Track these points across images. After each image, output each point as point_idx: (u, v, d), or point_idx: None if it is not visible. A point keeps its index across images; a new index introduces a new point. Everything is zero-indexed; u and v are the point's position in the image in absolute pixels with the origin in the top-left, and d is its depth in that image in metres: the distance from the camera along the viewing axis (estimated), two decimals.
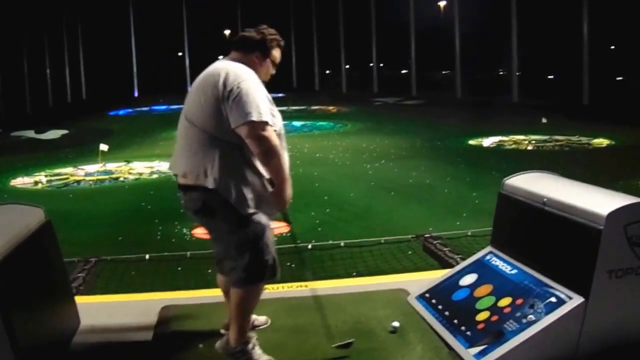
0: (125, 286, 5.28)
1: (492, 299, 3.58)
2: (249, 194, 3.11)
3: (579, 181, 3.86)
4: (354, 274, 5.27)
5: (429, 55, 34.28)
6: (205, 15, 42.29)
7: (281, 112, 3.42)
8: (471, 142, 14.79)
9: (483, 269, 3.93)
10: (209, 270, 4.90)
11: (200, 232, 6.43)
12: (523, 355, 3.13)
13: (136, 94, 39.06)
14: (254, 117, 3.03)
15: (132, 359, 3.58)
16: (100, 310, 4.28)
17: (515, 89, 26.42)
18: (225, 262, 3.32)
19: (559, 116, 18.30)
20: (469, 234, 6.31)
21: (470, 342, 3.33)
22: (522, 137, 15.06)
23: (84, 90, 40.41)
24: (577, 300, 3.16)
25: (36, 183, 11.26)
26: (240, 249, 3.18)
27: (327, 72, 42.14)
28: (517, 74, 26.77)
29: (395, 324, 3.60)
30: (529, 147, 13.87)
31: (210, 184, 3.08)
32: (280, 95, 26.49)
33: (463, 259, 4.71)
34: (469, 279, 3.91)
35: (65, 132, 20.15)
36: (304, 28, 39.98)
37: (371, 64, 37.26)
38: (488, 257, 4.03)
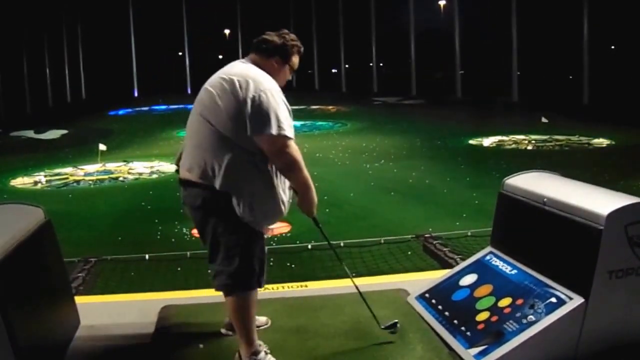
0: (125, 286, 5.28)
1: (492, 299, 3.57)
2: (254, 203, 3.07)
3: (579, 181, 3.86)
4: (354, 274, 5.25)
5: (429, 55, 34.32)
6: (205, 15, 42.32)
7: None
8: (471, 141, 14.79)
9: (483, 269, 3.93)
10: (209, 270, 4.89)
11: None
12: (523, 355, 3.13)
13: (136, 94, 39.03)
14: (274, 131, 2.99)
15: (132, 359, 3.57)
16: (100, 310, 4.27)
17: (516, 88, 26.41)
18: (211, 265, 3.26)
19: (559, 116, 18.30)
20: (469, 234, 6.30)
21: (470, 343, 3.33)
22: (522, 136, 15.06)
23: (84, 90, 40.41)
24: (577, 300, 3.16)
25: (36, 183, 11.26)
26: (230, 252, 3.14)
27: (334, 70, 42.05)
28: (517, 73, 26.76)
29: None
30: (529, 147, 13.87)
31: (217, 184, 3.05)
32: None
33: (463, 259, 4.70)
34: (469, 279, 3.91)
35: (64, 132, 20.15)
36: (303, 28, 40.00)
37: (371, 64, 37.27)
38: (488, 257, 4.03)
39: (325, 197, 8.30)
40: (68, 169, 12.46)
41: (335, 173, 10.92)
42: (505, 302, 3.48)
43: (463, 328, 3.47)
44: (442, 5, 35.01)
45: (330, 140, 15.80)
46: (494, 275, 3.79)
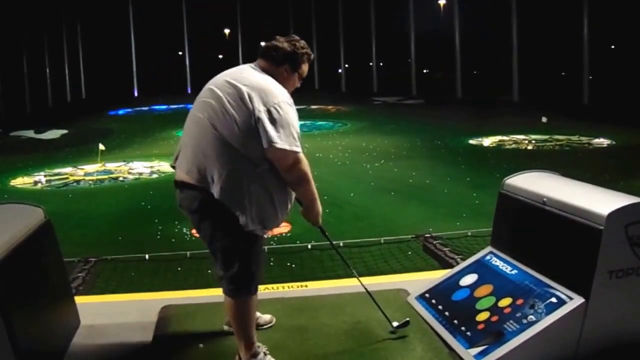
0: (125, 286, 5.28)
1: (492, 299, 3.57)
2: (253, 212, 3.03)
3: (579, 181, 3.85)
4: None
5: (429, 55, 34.32)
6: (205, 15, 42.30)
7: None
8: (471, 141, 14.79)
9: (483, 269, 3.93)
10: (209, 270, 4.89)
11: None
12: (523, 355, 3.13)
13: (136, 94, 39.02)
14: (288, 146, 2.98)
15: (132, 359, 3.57)
16: (100, 310, 4.27)
17: (516, 88, 26.40)
18: (214, 268, 3.25)
19: (559, 116, 18.30)
20: (469, 234, 6.30)
21: (470, 343, 3.33)
22: (522, 136, 15.06)
23: (84, 90, 40.40)
24: (577, 300, 3.16)
25: (36, 183, 11.27)
26: (228, 256, 3.11)
27: (340, 70, 41.93)
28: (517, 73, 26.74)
29: (395, 324, 3.59)
30: (530, 147, 13.87)
31: (215, 192, 3.00)
32: None
33: (463, 259, 4.70)
34: (469, 279, 3.91)
35: (64, 132, 20.15)
36: (303, 28, 39.99)
37: (371, 63, 37.26)
38: (488, 257, 4.02)
39: (325, 197, 8.23)
40: (68, 169, 12.47)
41: (335, 173, 10.93)
42: (505, 302, 3.47)
43: (463, 328, 3.47)
44: (442, 5, 34.99)
45: (331, 140, 15.80)
46: (494, 275, 3.79)
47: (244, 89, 3.04)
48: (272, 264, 5.82)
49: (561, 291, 3.27)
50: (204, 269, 5.26)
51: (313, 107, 25.12)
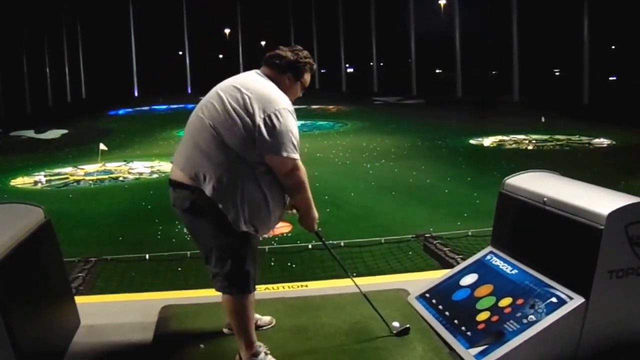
0: (125, 286, 5.28)
1: (493, 299, 3.57)
2: (246, 214, 3.05)
3: (579, 181, 3.85)
4: (354, 274, 5.25)
5: (429, 55, 34.30)
6: (206, 14, 42.31)
7: None
8: (472, 141, 14.79)
9: (483, 269, 3.93)
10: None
11: None
12: (523, 355, 3.13)
13: (136, 94, 39.04)
14: (287, 153, 3.02)
15: (132, 359, 3.57)
16: (100, 310, 4.27)
17: (516, 88, 26.40)
18: (207, 266, 3.26)
19: (559, 116, 18.30)
20: (470, 233, 6.31)
21: (470, 343, 3.33)
22: (522, 136, 15.06)
23: (84, 89, 40.41)
24: (577, 300, 3.16)
25: (36, 183, 11.27)
26: (222, 255, 3.13)
27: (350, 70, 41.84)
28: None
29: (396, 324, 3.59)
30: (530, 147, 13.87)
31: (207, 190, 3.02)
32: None
33: (463, 259, 4.70)
34: (469, 279, 3.90)
35: (65, 131, 20.15)
36: (303, 27, 39.98)
37: (371, 63, 37.27)
38: (488, 257, 4.02)
39: (326, 197, 8.31)
40: (68, 169, 12.47)
41: (335, 173, 10.93)
42: (505, 302, 3.47)
43: (463, 328, 3.46)
44: (442, 5, 35.00)
45: (331, 139, 15.80)
46: (495, 275, 3.79)
47: (246, 94, 3.09)
48: (272, 264, 5.82)
49: (561, 291, 3.27)
50: (204, 269, 5.24)
51: (313, 106, 25.13)
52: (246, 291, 3.18)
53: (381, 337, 3.55)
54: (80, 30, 40.19)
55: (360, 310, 3.76)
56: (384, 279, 4.92)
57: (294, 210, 3.36)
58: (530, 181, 3.89)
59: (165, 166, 11.83)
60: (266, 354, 3.24)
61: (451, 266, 4.82)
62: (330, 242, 6.17)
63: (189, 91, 38.99)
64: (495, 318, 3.40)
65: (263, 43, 46.11)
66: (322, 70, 40.71)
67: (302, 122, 19.94)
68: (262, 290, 4.31)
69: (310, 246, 6.13)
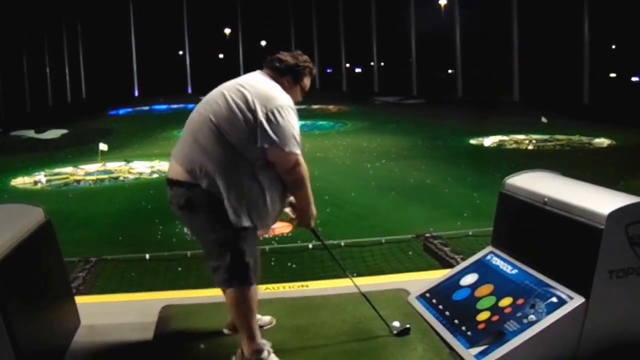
0: (125, 286, 5.28)
1: (493, 299, 3.57)
2: (244, 209, 3.07)
3: (580, 181, 3.85)
4: (355, 274, 5.25)
5: (429, 55, 34.28)
6: (206, 14, 42.31)
7: None
8: (472, 141, 14.79)
9: (484, 269, 3.93)
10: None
11: None
12: (524, 355, 3.13)
13: (137, 94, 39.04)
14: (289, 148, 3.06)
15: (132, 359, 3.57)
16: (100, 310, 4.27)
17: (516, 88, 26.40)
18: (208, 262, 3.27)
19: (559, 115, 18.29)
20: (470, 233, 6.31)
21: (470, 342, 3.33)
22: (522, 136, 15.05)
23: (84, 89, 40.41)
24: (578, 300, 3.16)
25: (36, 183, 11.27)
26: (221, 249, 3.14)
27: (358, 70, 41.75)
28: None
29: (396, 324, 3.59)
30: (530, 147, 13.87)
31: (204, 183, 3.05)
32: None
33: (464, 259, 4.70)
34: (469, 279, 3.90)
35: (65, 131, 20.15)
36: (304, 27, 39.99)
37: (372, 63, 37.27)
38: (489, 257, 4.02)
39: (326, 197, 8.30)
40: (68, 169, 12.47)
41: (336, 173, 10.93)
42: (505, 301, 3.47)
43: (464, 328, 3.46)
44: (442, 5, 34.99)
45: (331, 139, 15.81)
46: (495, 275, 3.79)
47: (249, 92, 3.13)
48: (272, 263, 5.82)
49: (562, 291, 3.27)
50: (205, 269, 5.19)
51: (314, 106, 25.13)
52: (247, 282, 3.19)
53: (381, 337, 3.55)
54: (81, 30, 40.20)
55: (360, 310, 3.76)
56: (384, 279, 4.92)
57: (288, 209, 3.38)
58: (530, 181, 3.89)
59: (166, 166, 11.74)
60: (269, 352, 3.24)
61: (451, 266, 4.82)
62: (331, 242, 6.20)
63: (189, 91, 39.01)
64: (495, 318, 3.39)
65: (263, 43, 46.14)
66: (329, 70, 40.62)
67: (303, 122, 19.90)
68: (263, 290, 4.31)
69: (310, 246, 6.13)
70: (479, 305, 3.58)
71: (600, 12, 24.62)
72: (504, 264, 3.82)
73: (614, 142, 13.91)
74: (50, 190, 10.63)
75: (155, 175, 11.42)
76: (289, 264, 5.85)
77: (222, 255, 3.15)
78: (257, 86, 3.19)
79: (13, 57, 32.28)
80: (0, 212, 3.46)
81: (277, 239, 6.62)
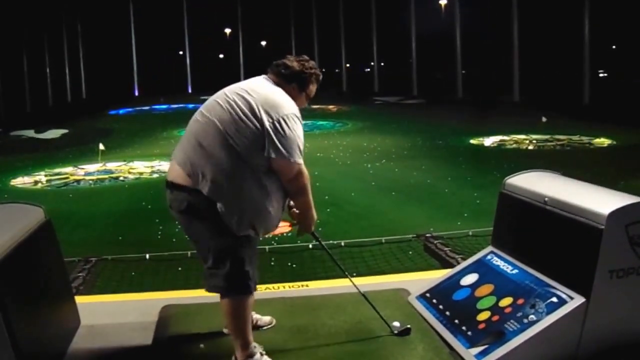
0: (125, 286, 5.28)
1: (493, 298, 3.56)
2: (247, 215, 3.04)
3: (580, 180, 3.85)
4: (355, 274, 5.25)
5: (429, 55, 34.28)
6: (206, 14, 42.33)
7: None
8: (472, 141, 14.80)
9: (484, 269, 3.92)
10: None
11: None
12: (524, 355, 3.12)
13: (137, 93, 39.05)
14: (293, 158, 3.04)
15: (132, 359, 3.57)
16: (100, 310, 4.26)
17: (517, 88, 26.39)
18: (204, 265, 3.22)
19: (560, 115, 18.30)
20: (470, 233, 6.30)
21: (471, 342, 3.32)
22: (523, 136, 15.06)
23: (84, 89, 40.42)
24: (578, 300, 3.15)
25: (36, 183, 11.28)
26: (220, 256, 3.10)
27: (367, 70, 41.66)
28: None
29: (396, 324, 3.59)
30: (530, 147, 13.87)
31: (205, 190, 3.00)
32: None
33: (464, 259, 4.70)
34: (469, 279, 3.90)
35: (65, 131, 20.16)
36: (304, 27, 39.98)
37: (372, 63, 37.28)
38: (489, 256, 4.02)
39: (326, 197, 8.30)
40: (68, 169, 12.47)
41: (336, 173, 10.93)
42: (506, 301, 3.47)
43: (464, 328, 3.46)
44: (442, 5, 34.99)
45: (331, 139, 15.81)
46: (495, 275, 3.78)
47: (254, 98, 3.09)
48: (272, 263, 5.82)
49: (562, 291, 3.26)
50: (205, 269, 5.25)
51: (314, 106, 25.12)
52: (247, 292, 3.16)
53: (382, 337, 3.55)
54: (81, 30, 40.20)
55: (361, 310, 3.76)
56: (384, 279, 4.92)
57: (290, 211, 3.37)
58: (530, 181, 3.89)
59: (166, 166, 11.77)
60: (261, 354, 3.23)
61: (452, 266, 4.81)
62: (331, 242, 6.20)
63: (190, 91, 39.01)
64: (495, 318, 3.39)
65: (263, 43, 46.13)
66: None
67: (303, 122, 19.88)
68: (263, 290, 4.30)
69: (310, 246, 6.12)
70: (479, 305, 3.58)
71: (600, 12, 24.60)
72: (504, 264, 3.82)
73: (614, 142, 13.91)
74: (50, 190, 10.63)
75: (155, 175, 11.43)
76: (289, 264, 5.85)
77: (222, 263, 3.10)
78: (262, 93, 3.14)
79: (13, 57, 32.29)
80: (0, 212, 3.45)
81: (277, 239, 6.62)
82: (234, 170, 3.01)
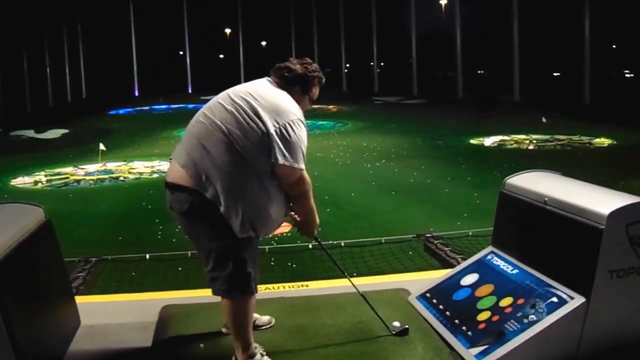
0: (125, 286, 5.28)
1: (493, 298, 3.56)
2: (250, 219, 3.03)
3: (580, 180, 3.85)
4: (355, 274, 5.26)
5: (430, 55, 34.28)
6: (206, 14, 42.34)
7: None
8: (472, 141, 14.80)
9: (484, 269, 3.92)
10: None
11: None
12: (524, 355, 3.12)
13: (137, 93, 39.05)
14: (297, 164, 3.04)
15: (132, 359, 3.57)
16: (100, 310, 4.26)
17: (517, 88, 26.39)
18: (205, 268, 3.21)
19: (560, 115, 18.29)
20: (470, 233, 6.30)
21: (471, 342, 3.32)
22: (523, 136, 15.06)
23: (84, 89, 40.42)
24: (578, 300, 3.15)
25: (36, 183, 11.28)
26: (222, 258, 3.10)
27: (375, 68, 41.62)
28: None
29: (396, 323, 3.59)
30: (531, 147, 13.87)
31: (209, 194, 2.99)
32: None
33: (464, 259, 4.70)
34: (470, 279, 3.90)
35: (65, 131, 20.16)
36: (304, 27, 39.98)
37: (372, 63, 37.28)
38: (489, 256, 4.02)
39: (326, 197, 8.30)
40: (68, 169, 12.48)
41: (336, 172, 10.93)
42: (506, 301, 3.47)
43: (464, 328, 3.46)
44: (443, 5, 35.01)
45: (331, 139, 15.80)
46: (495, 275, 3.78)
47: (260, 104, 3.08)
48: (272, 263, 5.82)
49: (562, 291, 3.26)
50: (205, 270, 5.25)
51: (314, 106, 25.10)
52: (248, 292, 3.16)
53: (382, 337, 3.54)
54: (81, 30, 40.20)
55: (360, 310, 3.76)
56: (384, 279, 4.92)
57: (291, 213, 3.37)
58: (531, 181, 3.89)
59: (166, 166, 11.76)
60: (262, 355, 3.23)
61: (452, 266, 4.81)
62: (331, 242, 6.20)
63: (190, 91, 38.99)
64: (496, 318, 3.39)
65: (263, 43, 46.14)
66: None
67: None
68: (262, 290, 4.30)
69: (310, 246, 6.12)
70: (479, 305, 3.58)
71: (600, 12, 24.60)
72: (505, 264, 3.82)
73: (614, 142, 13.91)
74: (50, 190, 10.63)
75: (155, 175, 11.43)
76: (289, 264, 5.85)
77: (223, 265, 3.10)
78: (268, 98, 3.12)
79: (13, 57, 32.29)
80: (0, 212, 3.46)
81: (277, 239, 6.61)
82: (237, 174, 3.00)
